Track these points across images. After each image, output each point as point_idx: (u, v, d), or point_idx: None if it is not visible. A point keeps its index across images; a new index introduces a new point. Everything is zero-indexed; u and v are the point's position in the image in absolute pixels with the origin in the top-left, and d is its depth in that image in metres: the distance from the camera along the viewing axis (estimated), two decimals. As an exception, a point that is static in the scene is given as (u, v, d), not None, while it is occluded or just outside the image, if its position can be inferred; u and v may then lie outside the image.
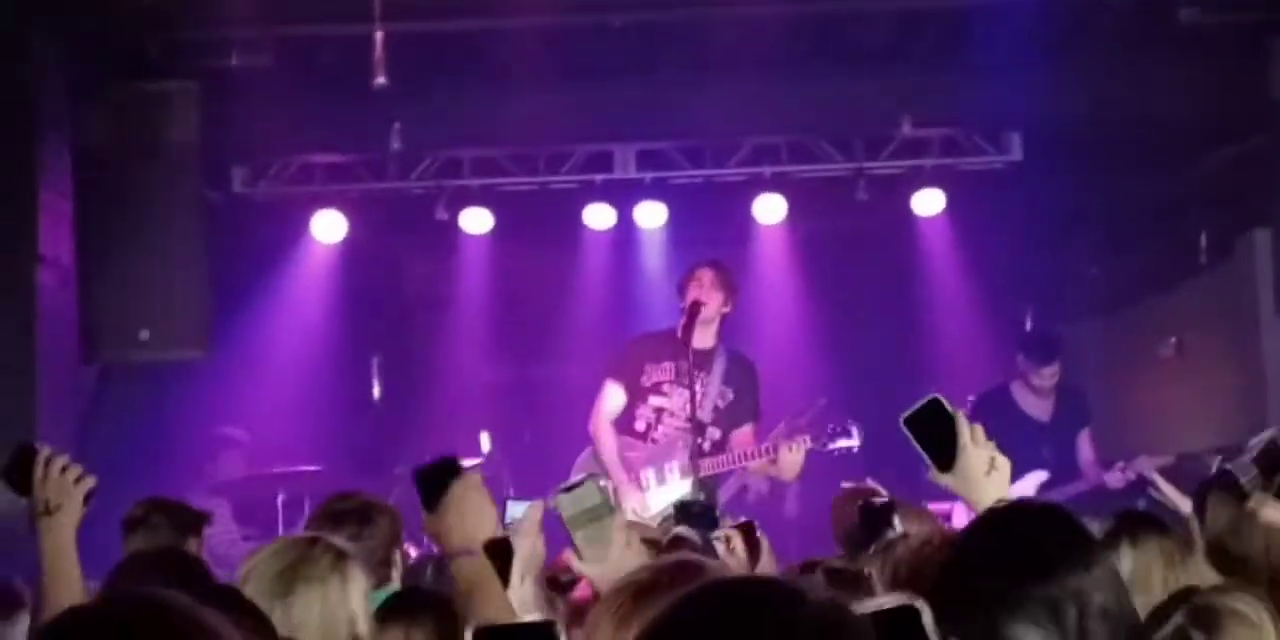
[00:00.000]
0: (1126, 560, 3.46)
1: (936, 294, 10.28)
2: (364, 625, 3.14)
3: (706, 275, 7.34)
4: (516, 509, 3.82)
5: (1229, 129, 8.31)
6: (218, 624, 1.79)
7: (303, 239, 9.57)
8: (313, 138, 8.87)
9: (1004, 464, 2.98)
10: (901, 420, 2.85)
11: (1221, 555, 4.03)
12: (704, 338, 7.26)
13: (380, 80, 7.60)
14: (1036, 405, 8.13)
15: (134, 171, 7.44)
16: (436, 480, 2.90)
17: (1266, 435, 3.34)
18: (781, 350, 10.34)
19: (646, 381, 7.38)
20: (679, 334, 7.04)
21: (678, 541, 3.82)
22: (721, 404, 7.39)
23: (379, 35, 7.61)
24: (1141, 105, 8.15)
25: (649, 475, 7.36)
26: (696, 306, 7.05)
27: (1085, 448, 8.07)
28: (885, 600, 1.52)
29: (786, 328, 10.50)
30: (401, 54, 7.85)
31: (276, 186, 9.30)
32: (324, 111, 8.40)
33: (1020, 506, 2.27)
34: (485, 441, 8.90)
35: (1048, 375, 8.05)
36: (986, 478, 2.90)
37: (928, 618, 1.51)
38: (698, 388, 7.04)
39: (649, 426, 7.34)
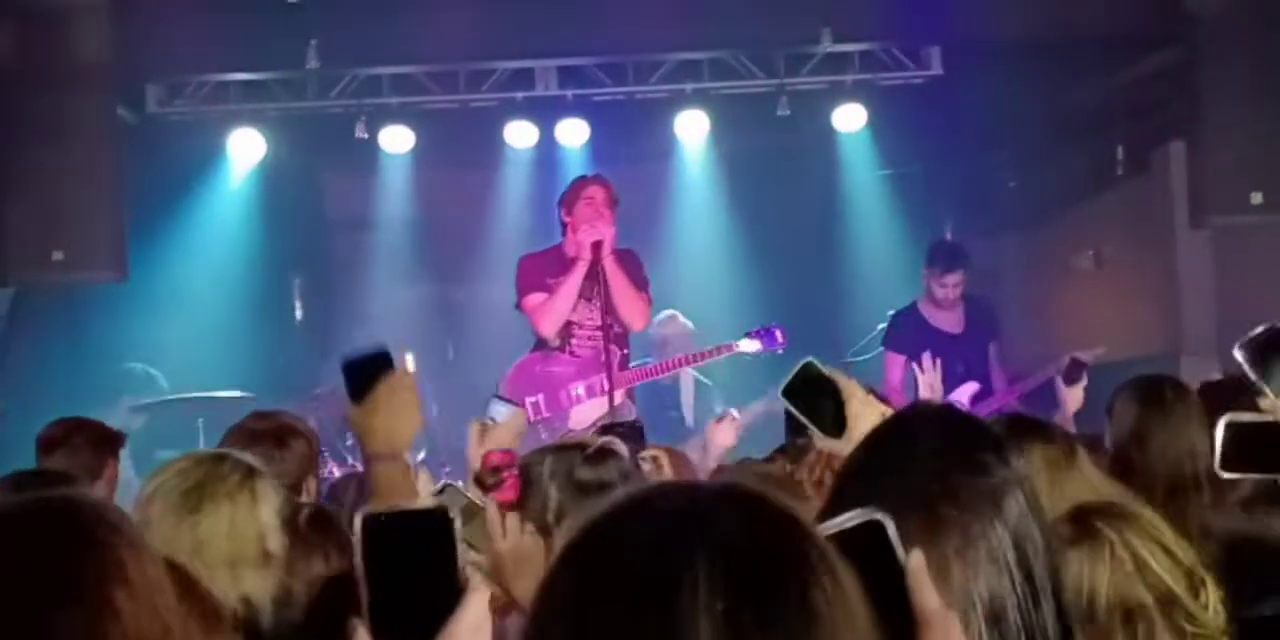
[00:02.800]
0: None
1: (857, 209, 10.33)
2: (275, 541, 3.09)
3: (600, 194, 7.17)
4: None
5: (1146, 42, 8.34)
6: (120, 520, 1.83)
7: (220, 159, 9.46)
8: (229, 56, 8.72)
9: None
10: (780, 392, 2.75)
11: (1124, 462, 4.10)
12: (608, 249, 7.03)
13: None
14: (946, 319, 8.16)
15: (44, 91, 7.28)
16: (366, 372, 2.78)
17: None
18: (704, 267, 10.39)
19: None
20: (585, 265, 6.92)
21: (605, 452, 3.82)
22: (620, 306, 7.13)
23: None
24: (1059, 19, 8.17)
25: (578, 389, 7.33)
26: (598, 246, 6.89)
27: (994, 360, 8.11)
28: (846, 518, 1.46)
29: (709, 244, 10.54)
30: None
31: (192, 106, 9.17)
32: (240, 28, 8.26)
33: (925, 407, 2.20)
34: (409, 360, 8.87)
35: (950, 284, 8.05)
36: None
37: (893, 531, 1.46)
38: (593, 296, 7.00)
39: (563, 342, 7.23)
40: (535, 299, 7.14)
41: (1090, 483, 3.20)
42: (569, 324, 7.17)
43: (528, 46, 8.96)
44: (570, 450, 3.74)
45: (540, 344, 7.31)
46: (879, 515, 1.46)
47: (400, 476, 2.66)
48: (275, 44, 8.51)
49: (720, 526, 1.25)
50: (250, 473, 3.11)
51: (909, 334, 8.08)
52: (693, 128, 9.64)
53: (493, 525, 2.90)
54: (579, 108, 9.52)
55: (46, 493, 1.90)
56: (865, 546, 1.43)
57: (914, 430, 1.99)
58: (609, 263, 6.96)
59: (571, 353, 7.21)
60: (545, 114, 9.53)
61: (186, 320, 9.29)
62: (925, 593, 1.47)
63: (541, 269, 7.18)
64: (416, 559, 1.47)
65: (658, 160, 10.33)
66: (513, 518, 2.88)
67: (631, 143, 10.07)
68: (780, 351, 7.36)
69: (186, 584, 1.93)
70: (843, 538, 1.41)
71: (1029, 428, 3.32)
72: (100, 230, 7.42)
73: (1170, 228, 8.36)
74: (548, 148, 9.89)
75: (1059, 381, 5.79)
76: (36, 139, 7.30)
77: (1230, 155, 7.51)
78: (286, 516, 3.55)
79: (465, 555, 1.48)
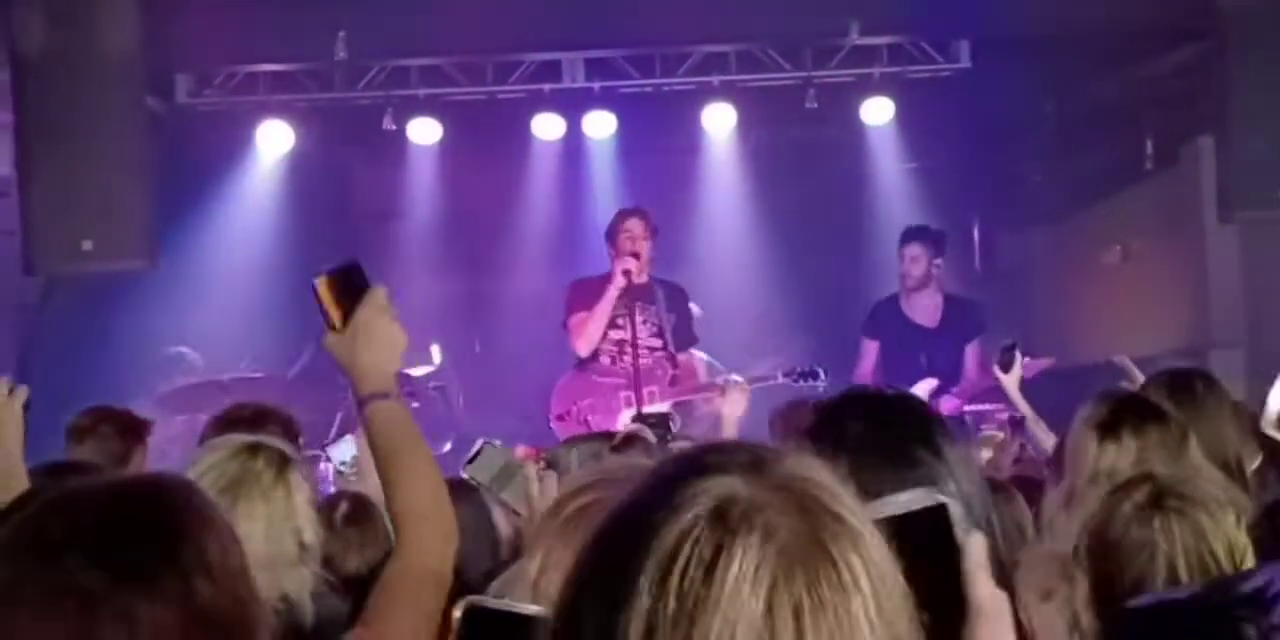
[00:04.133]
0: (1129, 447, 3.37)
1: (884, 202, 10.31)
2: (310, 534, 3.08)
3: (637, 227, 7.64)
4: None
5: (1175, 35, 8.30)
6: (204, 504, 1.81)
7: (248, 150, 9.49)
8: (257, 47, 8.75)
9: None
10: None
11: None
12: (639, 275, 7.56)
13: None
14: (922, 311, 8.13)
15: (74, 80, 7.30)
16: (340, 292, 2.49)
17: None
18: (732, 259, 10.39)
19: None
20: (617, 291, 7.42)
21: (631, 439, 3.83)
22: (669, 331, 7.70)
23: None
24: (1087, 12, 8.13)
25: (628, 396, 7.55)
26: (628, 274, 7.38)
27: (970, 359, 8.05)
28: (909, 499, 1.43)
29: (736, 237, 10.53)
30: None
31: (221, 96, 9.19)
32: (269, 19, 8.27)
33: (855, 395, 2.16)
34: (436, 353, 8.91)
35: (908, 257, 8.07)
36: None
37: (957, 513, 1.44)
38: (647, 319, 7.56)
39: (613, 359, 7.63)
40: (577, 319, 7.62)
41: (1194, 464, 3.23)
42: (620, 342, 7.58)
43: (555, 38, 8.97)
44: (598, 439, 3.75)
45: (589, 360, 7.69)
46: (943, 498, 1.44)
47: (399, 417, 2.48)
48: (304, 35, 8.52)
49: (765, 525, 1.24)
50: (284, 464, 3.11)
51: (883, 321, 8.14)
52: (720, 120, 9.63)
53: (533, 486, 2.87)
54: (606, 100, 9.52)
55: (132, 476, 1.86)
56: (925, 529, 1.42)
57: (843, 420, 1.96)
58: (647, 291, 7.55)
59: (623, 368, 7.57)
60: (572, 106, 9.54)
61: (215, 309, 9.33)
62: (980, 580, 1.45)
63: (587, 292, 7.65)
64: None
65: (685, 153, 10.32)
66: (550, 478, 2.84)
67: (658, 135, 10.08)
68: (821, 389, 7.50)
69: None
70: (904, 519, 1.41)
71: (1144, 408, 3.33)
72: (130, 219, 7.43)
73: (1198, 222, 8.32)
74: (575, 140, 9.90)
75: (997, 370, 5.84)
76: (66, 129, 7.31)
77: (1259, 150, 7.46)
78: (321, 507, 3.56)
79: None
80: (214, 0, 7.95)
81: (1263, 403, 4.51)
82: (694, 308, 8.13)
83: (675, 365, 7.65)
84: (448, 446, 8.88)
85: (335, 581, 3.53)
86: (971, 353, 8.03)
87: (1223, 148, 7.78)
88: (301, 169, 9.85)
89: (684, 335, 7.80)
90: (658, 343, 7.64)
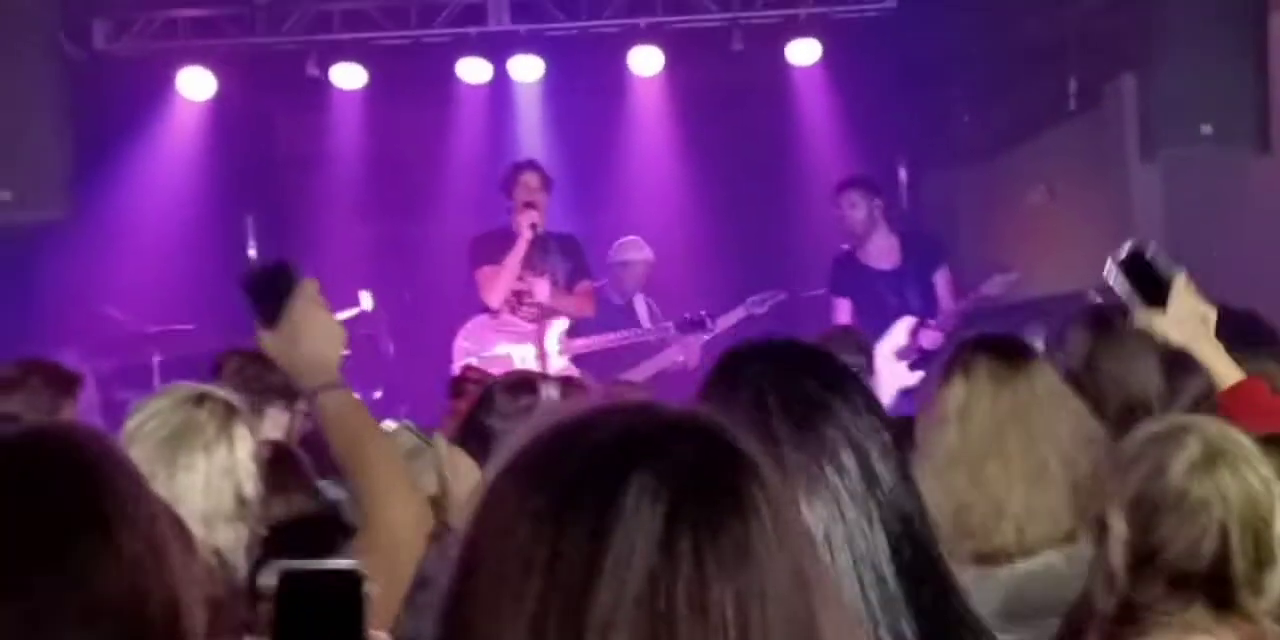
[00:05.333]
0: (959, 387, 3.28)
1: (812, 144, 10.30)
2: (250, 488, 2.98)
3: (534, 180, 8.05)
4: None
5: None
6: (122, 455, 1.75)
7: (169, 97, 9.36)
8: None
9: (1210, 313, 3.35)
10: (1113, 262, 3.14)
11: (1076, 388, 4.13)
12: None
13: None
14: (877, 254, 8.18)
15: (-12, 26, 7.19)
16: (271, 291, 2.52)
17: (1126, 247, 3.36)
18: (659, 204, 10.36)
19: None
20: (525, 244, 7.90)
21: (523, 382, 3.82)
22: (563, 282, 8.15)
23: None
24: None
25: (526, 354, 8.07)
26: (534, 227, 7.89)
27: (941, 288, 8.15)
28: None
29: (663, 181, 10.51)
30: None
31: (140, 42, 9.06)
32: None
33: (749, 345, 2.10)
34: (366, 299, 8.85)
35: (844, 204, 8.14)
36: (1198, 323, 3.30)
37: None
38: (544, 271, 8.05)
39: (513, 310, 8.12)
40: (485, 272, 8.03)
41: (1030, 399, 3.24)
42: (519, 293, 8.04)
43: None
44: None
45: (492, 312, 8.12)
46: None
47: (351, 405, 2.49)
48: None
49: (666, 452, 1.27)
50: (229, 415, 3.01)
51: (846, 276, 8.20)
52: (646, 63, 9.59)
53: (449, 466, 2.86)
54: (532, 43, 9.45)
55: (45, 423, 1.79)
56: None
57: (739, 370, 1.95)
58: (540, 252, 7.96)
59: (522, 318, 8.11)
60: (498, 50, 9.46)
61: (137, 259, 9.21)
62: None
63: (489, 246, 8.07)
64: (326, 618, 1.49)
65: (611, 96, 10.27)
66: (463, 457, 2.84)
67: (585, 78, 10.01)
68: (708, 337, 8.20)
69: (180, 527, 1.80)
70: None
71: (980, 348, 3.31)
72: (48, 169, 7.34)
73: (1122, 160, 8.36)
74: (501, 84, 9.83)
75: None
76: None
77: (1180, 87, 7.51)
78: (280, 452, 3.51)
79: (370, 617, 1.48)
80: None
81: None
82: (642, 253, 8.58)
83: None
84: (378, 394, 8.85)
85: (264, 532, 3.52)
86: (941, 282, 8.13)
87: (1145, 86, 7.83)
88: (224, 116, 9.71)
89: (579, 277, 8.22)
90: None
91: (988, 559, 3.05)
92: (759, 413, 1.87)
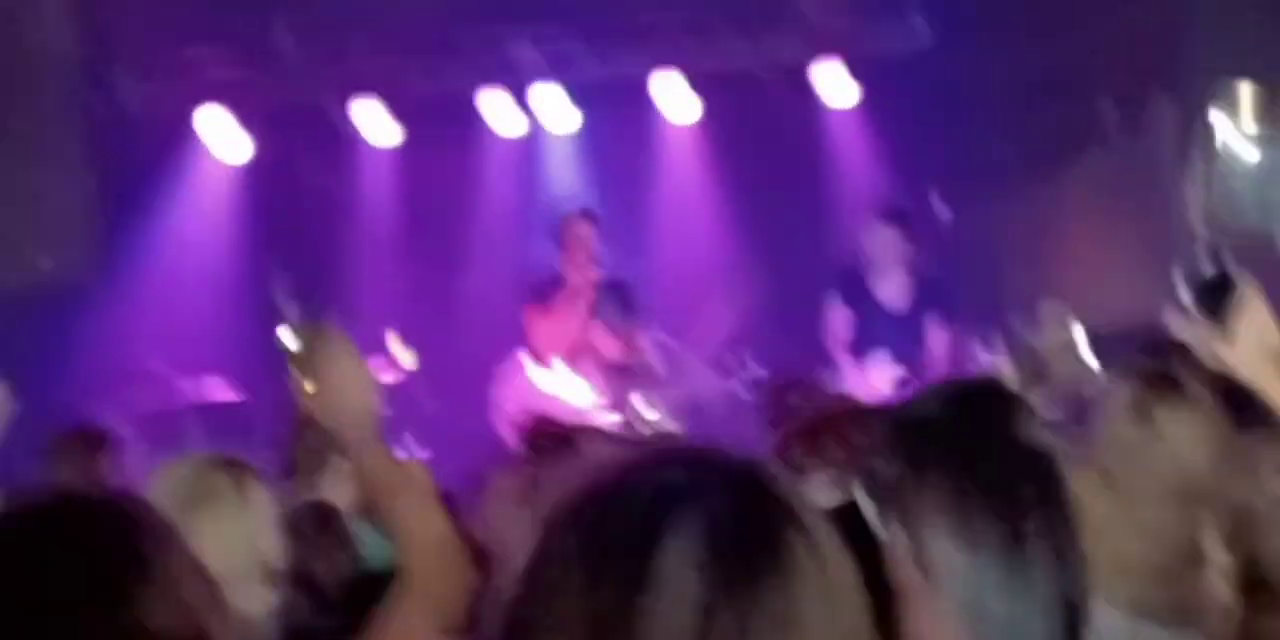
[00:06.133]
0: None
1: (849, 188, 10.20)
2: (273, 551, 3.00)
3: (587, 228, 7.84)
4: None
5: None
6: (149, 515, 1.78)
7: (192, 147, 9.35)
8: (198, 38, 8.60)
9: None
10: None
11: None
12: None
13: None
14: (889, 292, 8.00)
15: (8, 81, 7.15)
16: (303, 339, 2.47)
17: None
18: (695, 248, 10.27)
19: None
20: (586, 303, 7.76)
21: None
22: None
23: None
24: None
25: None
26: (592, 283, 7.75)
27: (934, 342, 7.87)
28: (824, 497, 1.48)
29: (700, 225, 10.42)
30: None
31: (162, 91, 9.02)
32: (205, 11, 8.14)
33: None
34: (407, 357, 8.76)
35: (876, 240, 7.91)
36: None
37: (869, 512, 1.46)
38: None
39: (571, 360, 7.91)
40: (540, 323, 7.86)
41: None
42: (577, 345, 7.85)
43: (504, 22, 8.87)
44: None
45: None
46: (856, 495, 1.49)
47: (387, 458, 2.46)
48: (244, 29, 8.38)
49: (705, 504, 1.24)
50: (246, 478, 3.03)
51: (852, 293, 7.98)
52: (677, 105, 9.57)
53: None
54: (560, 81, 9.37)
55: (68, 489, 1.87)
56: (842, 523, 1.41)
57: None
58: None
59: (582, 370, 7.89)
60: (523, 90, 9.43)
61: (171, 314, 9.16)
62: (905, 568, 1.47)
63: (543, 295, 7.88)
64: None
65: (643, 142, 10.22)
66: None
67: (617, 126, 9.97)
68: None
69: (213, 583, 1.83)
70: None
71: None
72: (71, 225, 7.28)
73: (1161, 182, 8.27)
74: (534, 133, 9.83)
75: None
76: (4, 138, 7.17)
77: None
78: (284, 517, 3.46)
79: None
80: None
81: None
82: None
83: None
84: (424, 456, 8.73)
85: (307, 594, 3.46)
86: (935, 336, 7.87)
87: (1188, 104, 7.74)
88: (252, 168, 9.69)
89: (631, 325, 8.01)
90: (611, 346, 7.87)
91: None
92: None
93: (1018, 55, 8.91)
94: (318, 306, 10.08)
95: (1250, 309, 3.04)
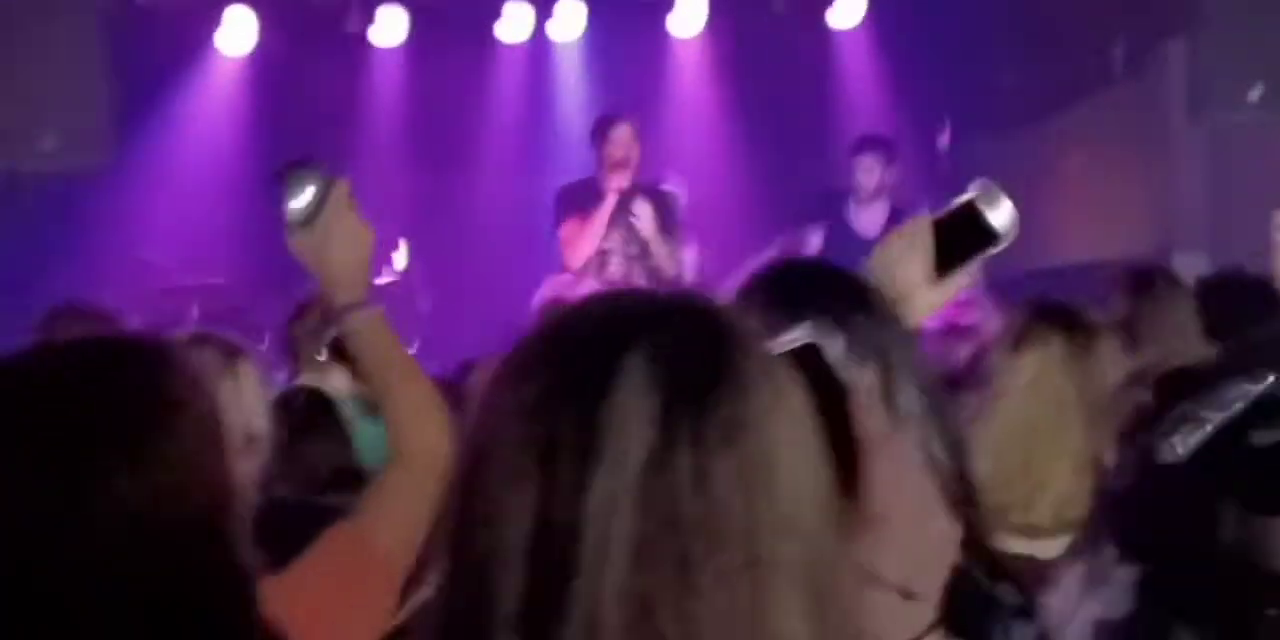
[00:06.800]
0: (1032, 358, 3.24)
1: (854, 108, 10.20)
2: (259, 422, 3.04)
3: (626, 134, 7.59)
4: None
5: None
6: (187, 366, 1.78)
7: (206, 45, 9.35)
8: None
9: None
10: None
11: None
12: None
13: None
14: (867, 222, 8.02)
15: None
16: (303, 187, 2.36)
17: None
18: (699, 164, 10.29)
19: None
20: (610, 208, 7.49)
21: None
22: (654, 242, 7.70)
23: None
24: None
25: None
26: (620, 192, 7.48)
27: None
28: (788, 338, 1.45)
29: (703, 141, 10.43)
30: None
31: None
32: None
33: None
34: (400, 258, 8.83)
35: (861, 169, 7.91)
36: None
37: (834, 353, 1.45)
38: (631, 232, 7.60)
39: (597, 269, 7.65)
40: (569, 229, 7.58)
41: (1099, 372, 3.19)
42: (603, 252, 7.61)
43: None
44: None
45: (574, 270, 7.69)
46: (817, 338, 1.45)
47: (379, 326, 2.40)
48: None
49: (657, 332, 1.26)
50: (233, 353, 3.08)
51: (830, 218, 8.00)
52: (686, 23, 9.56)
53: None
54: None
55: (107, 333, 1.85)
56: (807, 367, 1.40)
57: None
58: (641, 208, 7.52)
59: (606, 280, 7.57)
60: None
61: (178, 208, 9.22)
62: (867, 415, 1.48)
63: (575, 200, 7.63)
64: None
65: (651, 56, 10.21)
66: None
67: (625, 37, 9.95)
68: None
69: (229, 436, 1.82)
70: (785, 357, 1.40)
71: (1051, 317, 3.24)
72: (91, 116, 7.33)
73: (1166, 125, 8.29)
74: (540, 43, 9.84)
75: None
76: (19, 24, 7.19)
77: (1227, 51, 7.44)
78: (278, 398, 3.53)
79: None
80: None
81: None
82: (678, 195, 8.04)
83: (659, 279, 7.61)
84: (414, 348, 8.83)
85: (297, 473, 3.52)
86: None
87: (1192, 50, 7.75)
88: (263, 70, 9.70)
89: (672, 244, 7.74)
90: (635, 251, 7.64)
91: (1021, 532, 3.04)
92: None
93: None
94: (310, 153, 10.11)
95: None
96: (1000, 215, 2.31)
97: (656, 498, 1.20)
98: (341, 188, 2.39)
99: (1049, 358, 3.18)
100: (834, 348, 1.45)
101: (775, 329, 1.44)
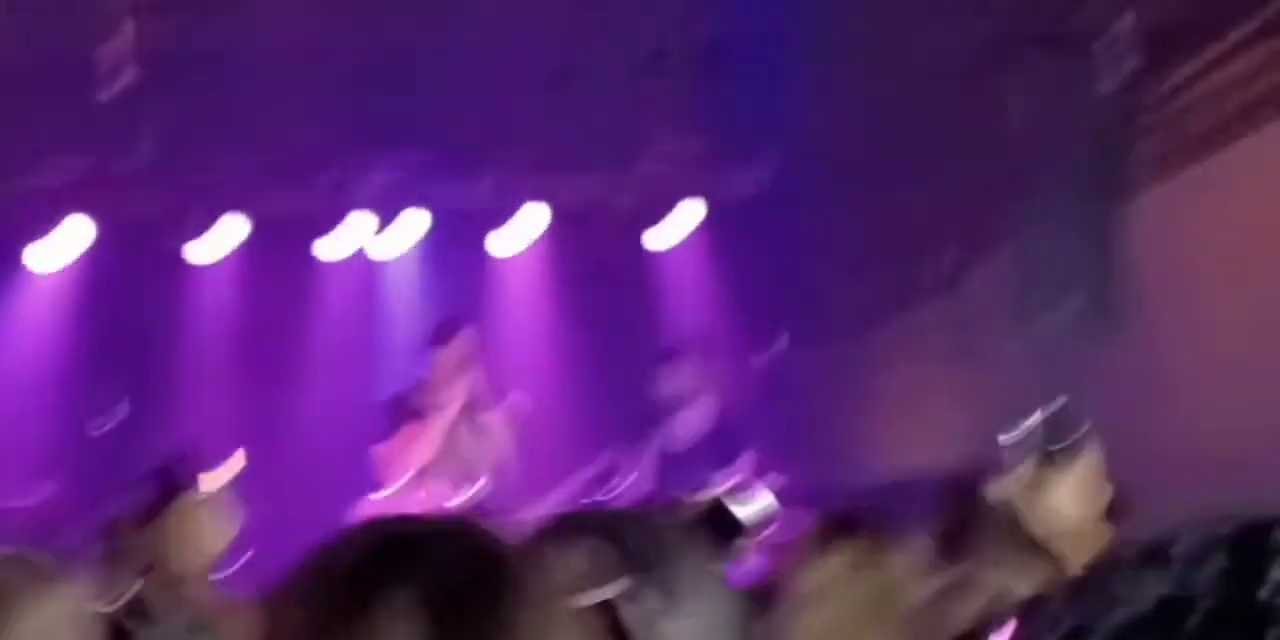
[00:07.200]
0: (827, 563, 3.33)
1: (685, 325, 10.28)
2: None
3: (466, 339, 7.71)
4: None
5: (971, 151, 8.52)
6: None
7: (22, 260, 9.21)
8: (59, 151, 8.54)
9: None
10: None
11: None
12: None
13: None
14: (681, 427, 8.11)
15: None
16: (157, 491, 2.53)
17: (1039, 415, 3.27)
18: (530, 371, 10.25)
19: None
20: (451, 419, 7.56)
21: None
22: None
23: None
24: (891, 130, 8.35)
25: None
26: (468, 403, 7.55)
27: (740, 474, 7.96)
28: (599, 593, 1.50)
29: (535, 351, 10.41)
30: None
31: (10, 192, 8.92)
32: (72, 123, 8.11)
33: None
34: (237, 458, 8.59)
35: (660, 378, 8.07)
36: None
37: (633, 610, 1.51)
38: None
39: (416, 485, 7.64)
40: (396, 443, 7.57)
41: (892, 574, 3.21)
42: (424, 469, 7.61)
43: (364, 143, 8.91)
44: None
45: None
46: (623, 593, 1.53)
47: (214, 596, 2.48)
48: (98, 135, 8.33)
49: (421, 567, 1.26)
50: (42, 576, 2.94)
51: (650, 434, 8.11)
52: (508, 244, 9.72)
53: None
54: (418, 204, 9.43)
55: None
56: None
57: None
58: (483, 419, 7.62)
59: (427, 498, 7.49)
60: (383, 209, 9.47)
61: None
62: None
63: (408, 410, 7.63)
64: None
65: (481, 271, 10.27)
66: None
67: (457, 251, 10.00)
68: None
69: None
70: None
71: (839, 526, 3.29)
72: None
73: (991, 337, 8.47)
74: (363, 261, 9.83)
75: None
76: None
77: (1053, 259, 7.68)
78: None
79: None
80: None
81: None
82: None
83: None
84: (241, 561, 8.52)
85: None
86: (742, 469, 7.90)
87: (1017, 260, 7.99)
88: (83, 280, 9.55)
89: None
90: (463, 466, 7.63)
91: None
92: None
93: (865, 201, 9.15)
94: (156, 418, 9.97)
95: (1086, 463, 3.26)
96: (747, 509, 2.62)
97: None
98: (194, 500, 2.61)
99: (838, 565, 3.21)
100: (635, 605, 1.53)
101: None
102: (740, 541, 2.62)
